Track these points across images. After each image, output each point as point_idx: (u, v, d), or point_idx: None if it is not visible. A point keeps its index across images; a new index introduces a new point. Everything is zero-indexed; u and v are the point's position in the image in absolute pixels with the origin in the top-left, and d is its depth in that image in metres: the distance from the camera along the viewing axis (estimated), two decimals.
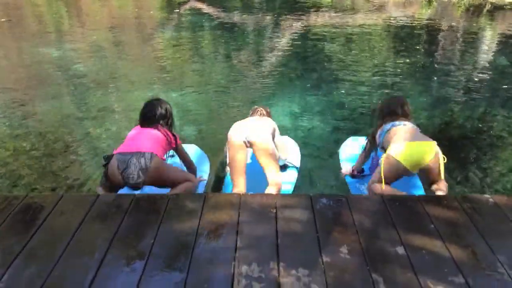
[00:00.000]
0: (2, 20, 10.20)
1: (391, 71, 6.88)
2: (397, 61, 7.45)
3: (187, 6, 12.37)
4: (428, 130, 4.57)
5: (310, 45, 8.59)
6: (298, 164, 3.66)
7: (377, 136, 3.12)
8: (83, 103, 5.69)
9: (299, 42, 8.93)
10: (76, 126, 5.02)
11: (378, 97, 5.69)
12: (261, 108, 3.53)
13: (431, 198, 2.58)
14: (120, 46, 8.72)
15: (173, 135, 3.07)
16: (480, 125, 4.97)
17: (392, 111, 3.13)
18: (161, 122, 3.04)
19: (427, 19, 10.91)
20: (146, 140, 2.85)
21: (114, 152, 2.81)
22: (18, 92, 6.11)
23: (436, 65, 7.47)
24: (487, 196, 2.54)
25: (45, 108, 5.51)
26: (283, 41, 9.02)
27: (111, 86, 6.24)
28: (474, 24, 10.45)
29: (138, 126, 3.03)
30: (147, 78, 6.62)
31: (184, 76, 6.78)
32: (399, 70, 6.91)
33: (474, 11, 11.50)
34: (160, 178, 2.79)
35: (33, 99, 5.83)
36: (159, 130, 2.96)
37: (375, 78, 6.49)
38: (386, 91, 5.92)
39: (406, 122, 3.02)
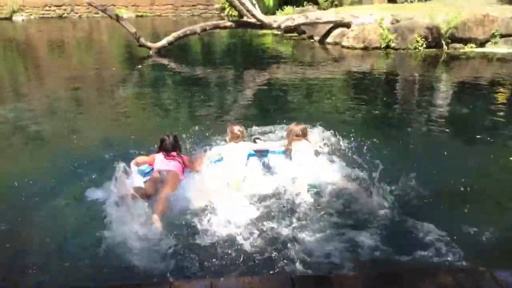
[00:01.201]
0: None
1: (352, 120, 6.84)
2: (359, 111, 7.44)
3: (149, 62, 12.30)
4: (394, 182, 4.43)
5: (273, 96, 8.56)
6: None
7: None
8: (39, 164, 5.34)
9: (262, 94, 8.90)
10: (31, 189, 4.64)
11: None
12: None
13: (423, 273, 2.32)
14: (79, 104, 8.43)
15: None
16: (448, 177, 4.86)
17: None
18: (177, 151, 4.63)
19: (385, 70, 11.15)
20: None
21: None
22: None
23: (396, 114, 7.50)
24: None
25: None
26: (246, 93, 8.97)
27: (67, 146, 5.92)
28: (431, 74, 10.73)
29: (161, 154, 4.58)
30: (107, 135, 6.33)
31: (146, 132, 6.51)
32: (359, 120, 6.87)
33: (431, 61, 11.85)
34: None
35: None
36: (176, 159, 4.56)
37: (338, 127, 6.39)
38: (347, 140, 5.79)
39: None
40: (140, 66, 11.92)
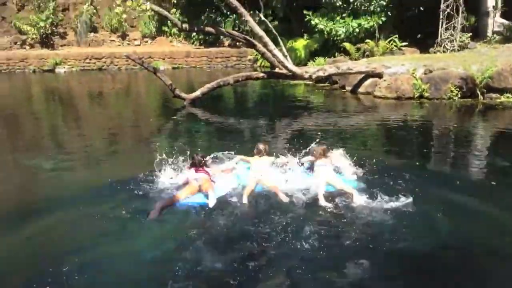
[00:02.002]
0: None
1: (385, 171, 6.71)
2: (392, 161, 7.32)
3: (184, 112, 12.58)
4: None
5: (305, 146, 8.53)
6: None
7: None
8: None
9: (292, 142, 8.90)
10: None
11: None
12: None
13: None
14: (115, 154, 8.64)
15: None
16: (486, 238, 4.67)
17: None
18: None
19: (420, 120, 11.03)
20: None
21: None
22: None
23: (430, 165, 7.34)
24: None
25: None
26: (277, 142, 9.00)
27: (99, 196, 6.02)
28: (467, 124, 10.56)
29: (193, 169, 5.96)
30: (139, 185, 6.41)
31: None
32: (393, 171, 6.73)
33: (467, 111, 11.69)
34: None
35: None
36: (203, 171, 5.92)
37: (370, 177, 6.30)
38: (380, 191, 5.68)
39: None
40: (175, 117, 12.20)
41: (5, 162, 8.07)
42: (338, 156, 6.52)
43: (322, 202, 5.42)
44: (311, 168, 6.32)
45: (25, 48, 26.44)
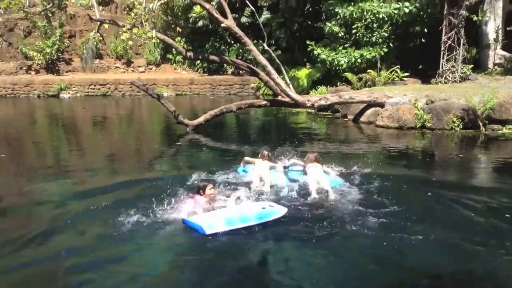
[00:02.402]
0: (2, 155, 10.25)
1: (388, 208, 6.68)
2: (392, 188, 7.29)
3: (186, 138, 12.63)
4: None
5: None
6: None
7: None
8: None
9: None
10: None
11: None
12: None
13: None
14: (117, 179, 8.62)
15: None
16: None
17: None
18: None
19: (422, 149, 11.05)
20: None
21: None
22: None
23: (435, 198, 7.29)
24: None
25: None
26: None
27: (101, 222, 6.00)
28: (470, 154, 10.56)
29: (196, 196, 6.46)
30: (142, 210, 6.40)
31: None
32: (396, 207, 6.69)
33: (469, 142, 11.71)
34: None
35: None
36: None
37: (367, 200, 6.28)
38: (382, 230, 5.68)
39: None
40: (179, 143, 12.24)
41: (11, 185, 8.07)
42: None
43: (314, 195, 6.80)
44: (303, 170, 7.72)
45: (30, 74, 26.76)
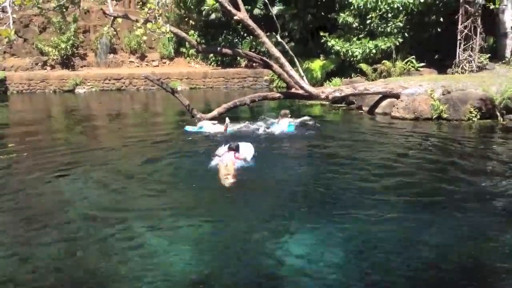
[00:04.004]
0: (24, 154, 10.36)
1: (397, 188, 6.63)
2: (407, 181, 7.24)
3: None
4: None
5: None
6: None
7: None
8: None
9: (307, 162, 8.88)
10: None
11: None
12: None
13: None
14: (131, 174, 8.69)
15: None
16: None
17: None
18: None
19: (440, 141, 10.88)
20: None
21: None
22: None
23: (446, 186, 7.22)
24: None
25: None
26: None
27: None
28: (489, 145, 10.41)
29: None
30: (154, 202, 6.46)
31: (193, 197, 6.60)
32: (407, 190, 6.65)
33: (487, 132, 11.55)
34: None
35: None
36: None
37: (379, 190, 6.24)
38: (395, 214, 5.65)
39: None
40: (190, 138, 12.25)
41: (35, 179, 8.17)
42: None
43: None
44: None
45: (46, 69, 27.04)
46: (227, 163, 7.85)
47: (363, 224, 5.64)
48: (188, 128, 12.25)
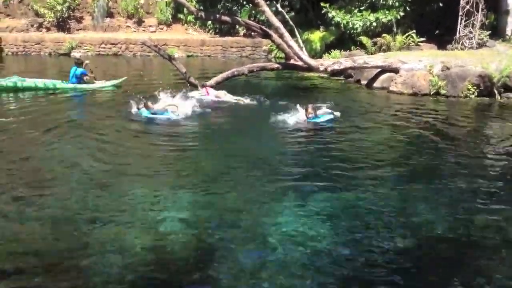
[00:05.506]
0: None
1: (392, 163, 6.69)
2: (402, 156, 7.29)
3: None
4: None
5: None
6: None
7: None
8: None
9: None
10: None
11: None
12: None
13: None
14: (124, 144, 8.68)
15: None
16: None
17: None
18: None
19: (437, 117, 10.86)
20: None
21: None
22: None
23: (441, 161, 7.28)
24: None
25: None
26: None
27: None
28: (486, 123, 10.46)
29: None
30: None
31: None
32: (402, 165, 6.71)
33: (484, 110, 11.60)
34: None
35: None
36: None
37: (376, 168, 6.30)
38: (392, 187, 5.72)
39: None
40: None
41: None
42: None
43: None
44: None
45: (41, 31, 26.57)
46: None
47: (353, 197, 5.72)
48: (143, 112, 10.14)
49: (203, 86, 12.50)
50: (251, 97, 12.14)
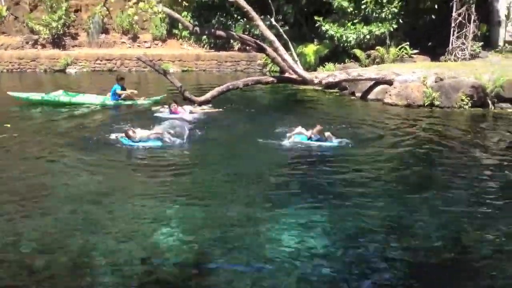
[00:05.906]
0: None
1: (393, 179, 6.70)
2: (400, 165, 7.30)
3: (194, 115, 12.53)
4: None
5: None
6: None
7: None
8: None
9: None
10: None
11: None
12: None
13: None
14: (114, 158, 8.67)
15: None
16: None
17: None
18: None
19: (431, 128, 10.94)
20: None
21: None
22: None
23: (438, 173, 7.29)
24: None
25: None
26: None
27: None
28: (480, 133, 10.50)
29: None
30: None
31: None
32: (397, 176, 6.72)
33: (478, 120, 11.67)
34: None
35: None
36: None
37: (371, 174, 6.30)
38: (387, 199, 5.70)
39: None
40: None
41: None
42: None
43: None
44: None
45: (36, 48, 26.63)
46: None
47: (351, 209, 5.71)
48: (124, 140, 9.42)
49: (169, 105, 12.49)
50: (243, 109, 12.27)
